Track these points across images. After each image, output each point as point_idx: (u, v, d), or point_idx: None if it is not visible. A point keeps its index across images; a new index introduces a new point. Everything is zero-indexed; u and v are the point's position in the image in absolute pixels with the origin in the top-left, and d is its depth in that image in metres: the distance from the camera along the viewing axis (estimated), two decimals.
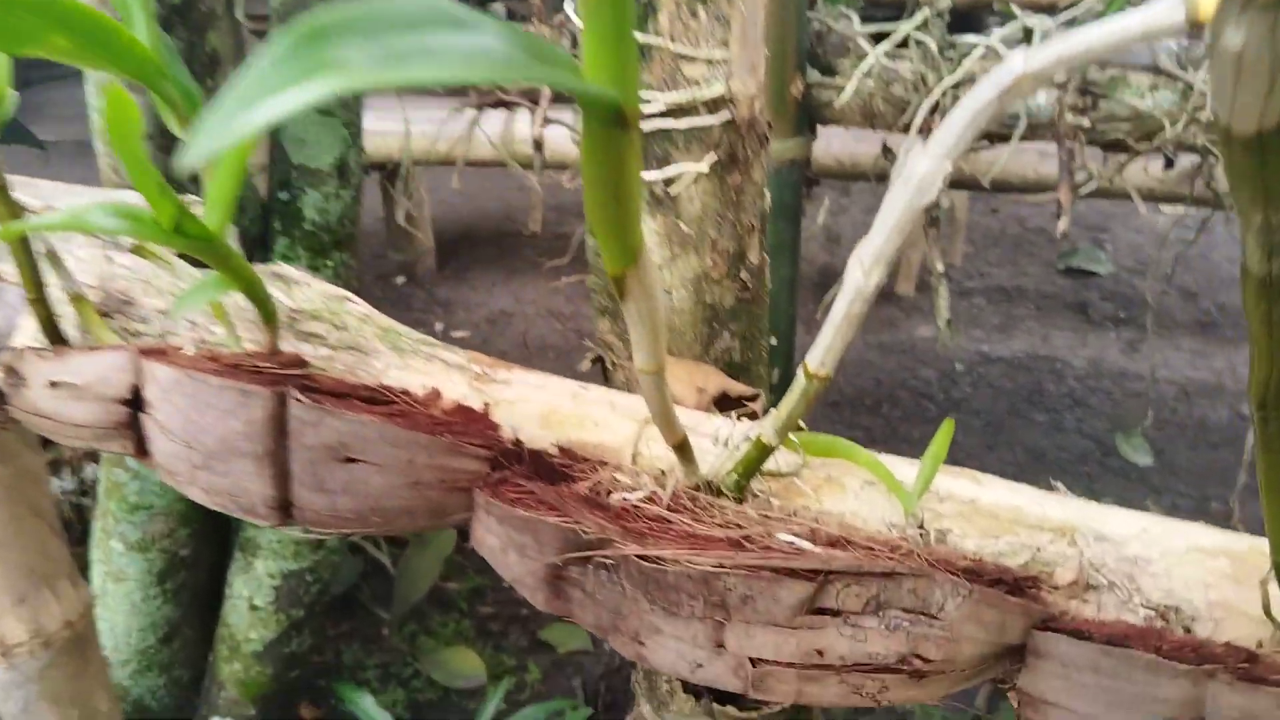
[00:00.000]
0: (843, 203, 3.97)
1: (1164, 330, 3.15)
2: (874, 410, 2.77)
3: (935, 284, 1.37)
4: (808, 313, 2.67)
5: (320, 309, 0.60)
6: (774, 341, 0.72)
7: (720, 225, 0.58)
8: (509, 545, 0.53)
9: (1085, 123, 1.21)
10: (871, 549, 0.48)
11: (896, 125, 1.28)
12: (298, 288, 0.62)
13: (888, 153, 1.40)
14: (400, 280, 3.53)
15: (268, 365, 0.55)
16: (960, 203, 3.35)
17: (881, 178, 2.39)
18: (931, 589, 0.47)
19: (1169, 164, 1.35)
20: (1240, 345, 3.03)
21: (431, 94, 2.36)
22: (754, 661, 0.49)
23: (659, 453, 0.54)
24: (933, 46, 1.26)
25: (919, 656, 0.48)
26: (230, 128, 0.19)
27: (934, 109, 1.21)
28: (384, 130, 3.00)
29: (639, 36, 0.54)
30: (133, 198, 0.70)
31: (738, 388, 0.59)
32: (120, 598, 1.61)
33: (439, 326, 3.29)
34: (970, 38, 1.29)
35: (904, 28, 1.29)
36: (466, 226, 3.99)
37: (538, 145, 1.57)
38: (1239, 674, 0.44)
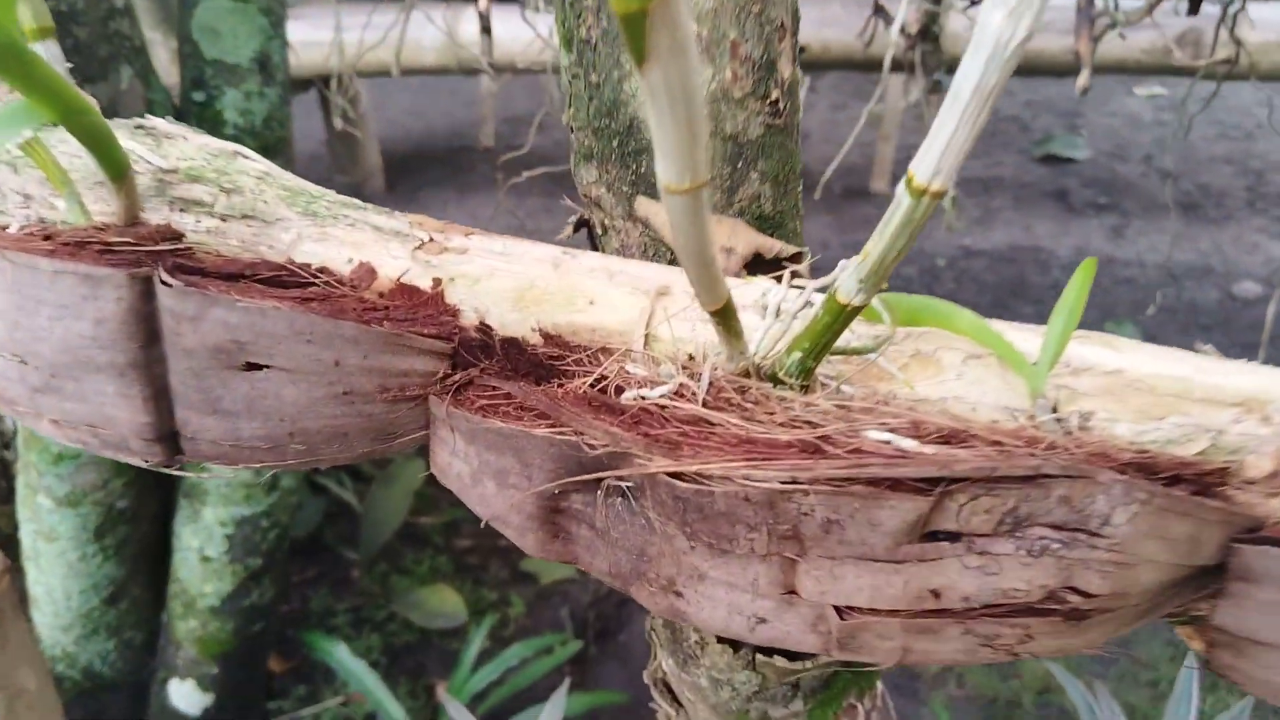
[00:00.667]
0: (809, 99, 3.77)
1: (1146, 214, 3.04)
2: None
3: None
4: None
5: (202, 168, 0.44)
6: None
7: (742, 22, 0.42)
8: (483, 472, 0.38)
9: None
10: (1000, 444, 0.34)
11: None
12: (171, 142, 0.45)
13: (879, 11, 1.23)
14: None
15: (123, 241, 0.39)
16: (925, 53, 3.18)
17: (857, 66, 2.20)
18: (1092, 495, 0.33)
19: (1194, 8, 1.19)
20: (1224, 225, 2.93)
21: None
22: (841, 611, 0.35)
23: (683, 333, 0.39)
24: None
25: (1076, 590, 0.34)
26: None
27: None
28: (318, 40, 2.75)
29: None
30: None
31: (775, 245, 0.44)
32: (54, 558, 1.46)
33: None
34: None
35: None
36: (415, 144, 3.77)
37: (485, 25, 1.37)
38: None
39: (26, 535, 1.46)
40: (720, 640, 0.50)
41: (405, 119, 4.02)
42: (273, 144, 1.42)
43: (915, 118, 3.24)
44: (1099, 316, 2.54)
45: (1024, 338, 0.39)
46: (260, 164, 0.46)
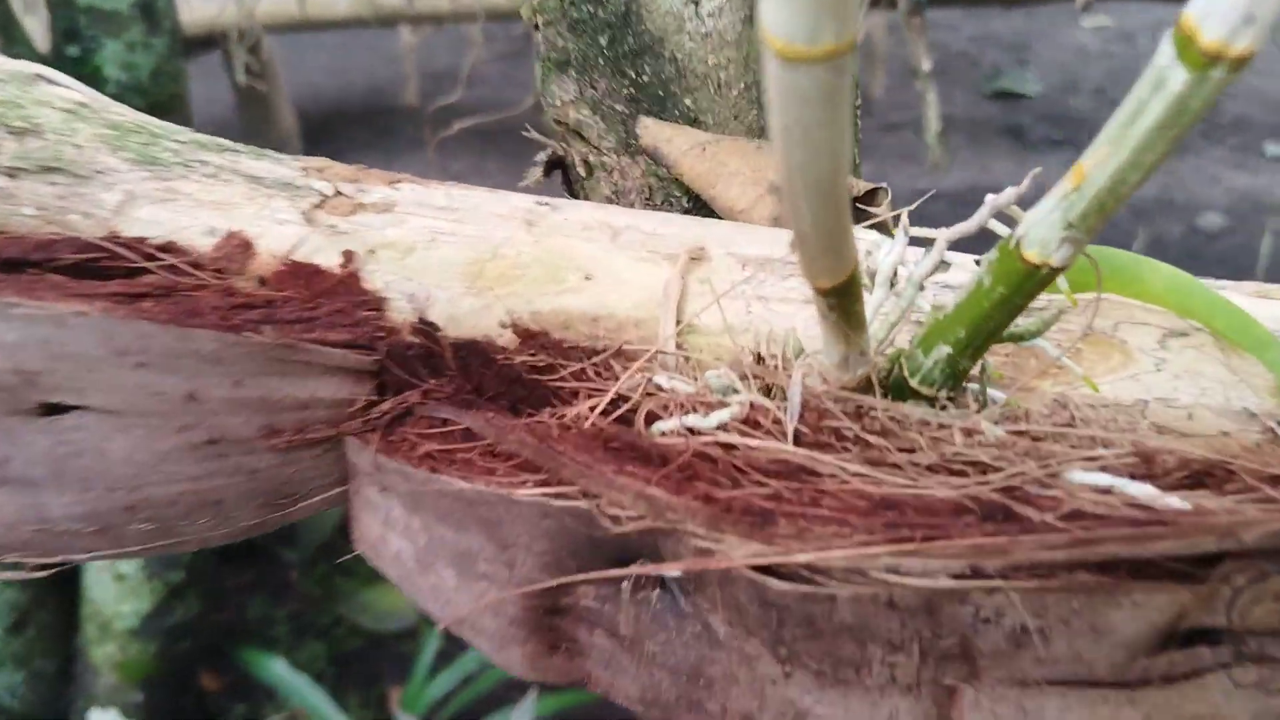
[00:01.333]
0: None
1: None
2: None
3: (921, 88, 1.09)
4: None
5: None
6: None
7: None
8: (435, 554, 0.24)
9: None
10: (1272, 478, 0.21)
11: None
12: None
13: None
14: None
15: None
16: (877, 32, 3.05)
17: None
18: None
19: None
20: (1184, 156, 2.87)
21: None
22: None
23: (740, 318, 0.25)
24: None
25: None
26: None
27: None
28: None
29: None
30: None
31: (850, 181, 0.31)
32: None
33: None
34: None
35: None
36: (333, 104, 3.54)
37: None
38: None
39: None
40: None
41: (321, 78, 3.79)
42: (164, 102, 1.24)
43: (864, 57, 3.12)
44: None
45: (1246, 302, 0.26)
46: (74, 92, 0.31)
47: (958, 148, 2.97)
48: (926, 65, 1.06)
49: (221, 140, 0.31)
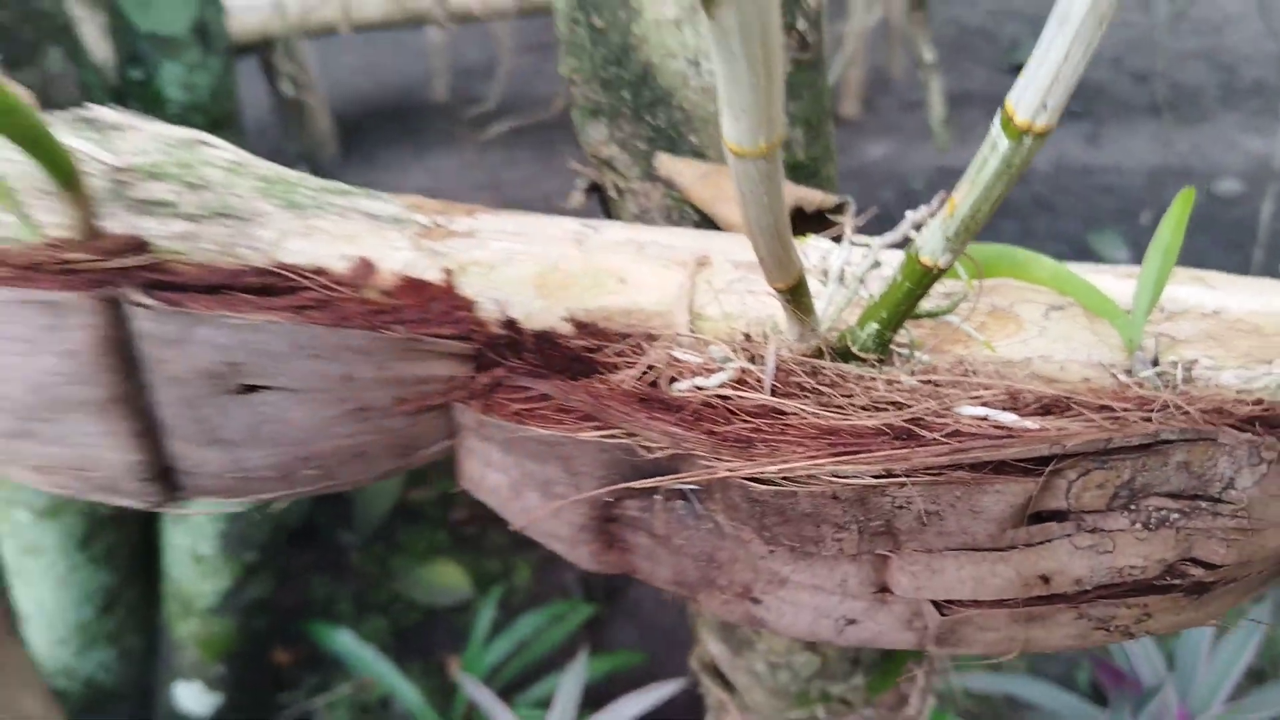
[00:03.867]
0: None
1: (1120, 118, 3.00)
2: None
3: (924, 79, 1.17)
4: None
5: (162, 163, 0.39)
6: None
7: None
8: (525, 483, 0.34)
9: None
10: (1108, 408, 0.30)
11: None
12: (121, 135, 0.40)
13: None
14: (302, 170, 3.20)
15: (84, 258, 0.34)
16: (895, 15, 3.10)
17: None
18: (1214, 458, 0.29)
19: None
20: (1200, 124, 2.90)
21: None
22: (940, 606, 0.32)
23: (734, 308, 0.35)
24: None
25: (1197, 562, 0.31)
26: None
27: None
28: (254, 3, 2.63)
29: None
30: None
31: (816, 196, 0.40)
32: (41, 572, 1.41)
33: None
34: None
35: None
36: (365, 104, 3.65)
37: None
38: None
39: (8, 551, 1.41)
40: None
41: (353, 78, 3.90)
42: (221, 118, 1.35)
43: (882, 38, 3.17)
44: (1080, 228, 2.52)
45: (1106, 282, 0.35)
46: (228, 151, 0.41)
47: (975, 121, 3.02)
48: (929, 56, 1.15)
49: (341, 184, 0.41)
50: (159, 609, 1.53)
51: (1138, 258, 2.45)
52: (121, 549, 1.45)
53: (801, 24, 0.39)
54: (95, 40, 1.50)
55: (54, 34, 1.21)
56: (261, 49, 2.59)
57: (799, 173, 0.42)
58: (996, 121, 0.26)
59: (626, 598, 1.77)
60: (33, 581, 1.41)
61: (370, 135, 3.36)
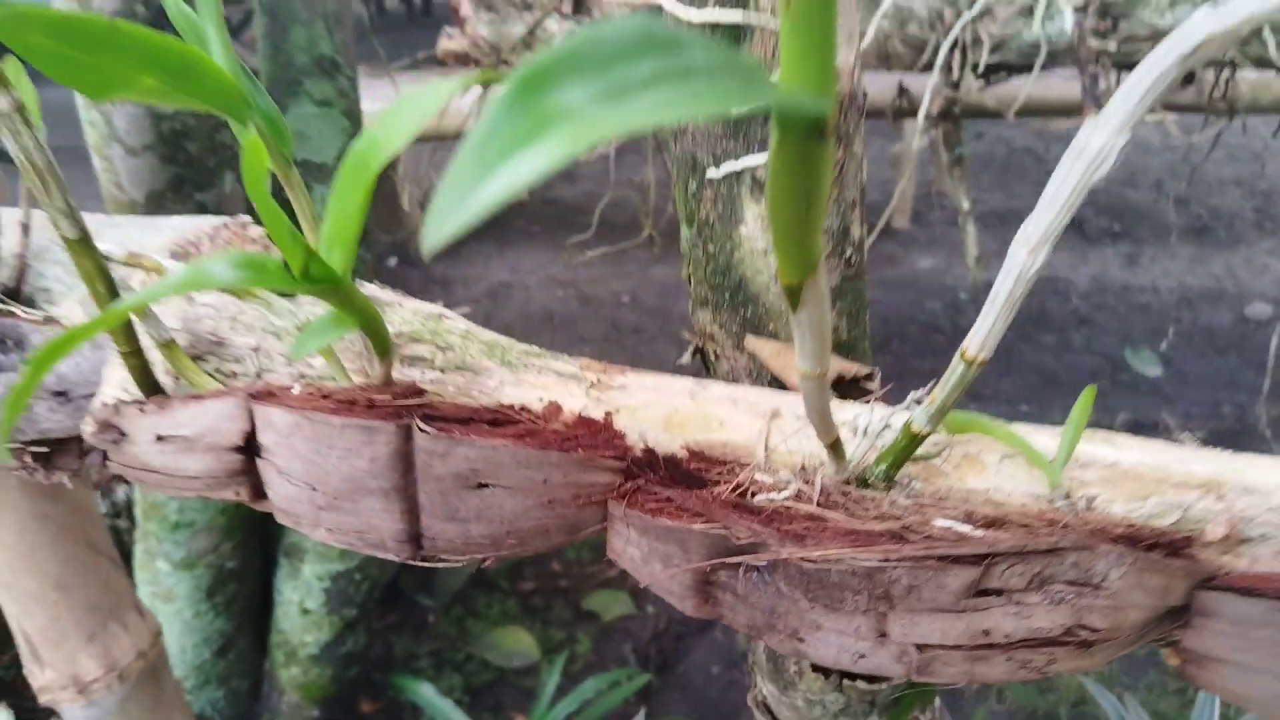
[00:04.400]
0: None
1: (1159, 240, 3.16)
2: (884, 348, 2.77)
3: (962, 222, 1.37)
4: None
5: (419, 330, 0.59)
6: None
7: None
8: (652, 556, 0.53)
9: (1110, 46, 1.19)
10: (1028, 526, 0.48)
11: (915, 65, 1.26)
12: (391, 309, 0.60)
13: (903, 94, 1.38)
14: (393, 262, 3.49)
15: (384, 398, 0.54)
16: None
17: (900, 114, 2.37)
18: (1094, 561, 0.47)
19: (1189, 79, 1.33)
20: (1235, 248, 3.05)
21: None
22: (920, 647, 0.49)
23: (795, 446, 0.53)
24: None
25: (1085, 627, 0.48)
26: (466, 207, 0.17)
27: (954, 46, 1.20)
28: (369, 113, 2.93)
29: (740, 15, 0.52)
30: (179, 224, 0.68)
31: (852, 368, 0.59)
32: (171, 616, 1.61)
33: (439, 304, 3.26)
34: None
35: None
36: None
37: None
38: None
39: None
40: (814, 669, 0.64)
41: (435, 175, 4.21)
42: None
43: (933, 155, 3.39)
44: (1118, 344, 2.66)
45: (1043, 440, 0.53)
46: (461, 323, 0.61)
47: None
48: (965, 205, 1.34)
49: (534, 348, 0.60)
50: (266, 656, 1.71)
51: (1172, 374, 2.58)
52: (240, 600, 1.65)
53: (849, 251, 0.59)
54: None
55: (229, 161, 1.46)
56: None
57: (842, 349, 0.61)
58: (958, 355, 0.45)
59: (676, 672, 1.92)
60: (163, 625, 1.61)
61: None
